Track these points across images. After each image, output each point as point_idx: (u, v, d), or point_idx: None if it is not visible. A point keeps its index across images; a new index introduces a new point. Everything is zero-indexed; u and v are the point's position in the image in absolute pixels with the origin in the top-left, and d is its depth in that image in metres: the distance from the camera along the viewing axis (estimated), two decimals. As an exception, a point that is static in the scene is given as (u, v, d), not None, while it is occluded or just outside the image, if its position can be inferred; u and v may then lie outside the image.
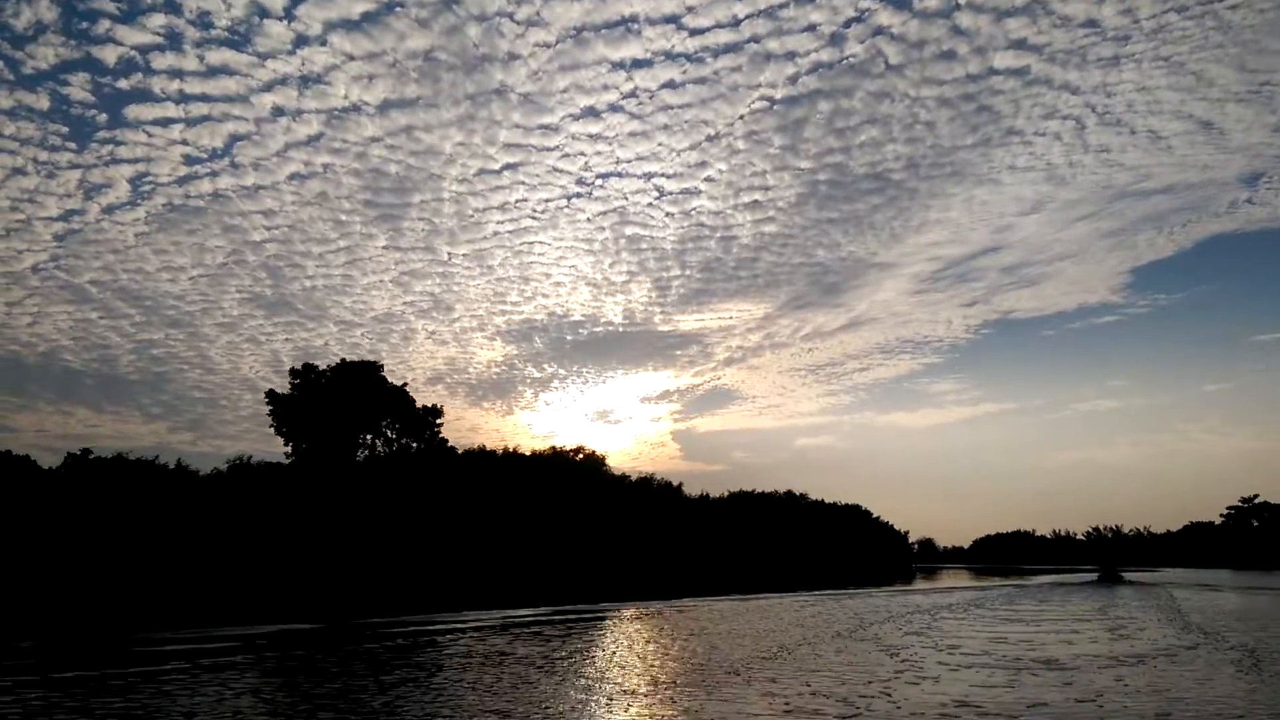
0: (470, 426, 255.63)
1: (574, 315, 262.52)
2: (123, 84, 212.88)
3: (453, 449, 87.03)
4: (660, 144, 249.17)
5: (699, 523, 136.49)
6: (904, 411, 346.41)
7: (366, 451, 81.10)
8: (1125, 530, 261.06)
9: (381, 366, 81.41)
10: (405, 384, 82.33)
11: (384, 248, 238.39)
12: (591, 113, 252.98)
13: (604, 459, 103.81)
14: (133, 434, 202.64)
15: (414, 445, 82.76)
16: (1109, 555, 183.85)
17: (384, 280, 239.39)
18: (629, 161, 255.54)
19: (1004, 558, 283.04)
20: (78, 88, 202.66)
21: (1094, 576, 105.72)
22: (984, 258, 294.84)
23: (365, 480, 77.17)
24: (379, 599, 53.02)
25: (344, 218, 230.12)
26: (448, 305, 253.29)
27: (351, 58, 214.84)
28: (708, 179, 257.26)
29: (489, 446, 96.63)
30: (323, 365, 80.00)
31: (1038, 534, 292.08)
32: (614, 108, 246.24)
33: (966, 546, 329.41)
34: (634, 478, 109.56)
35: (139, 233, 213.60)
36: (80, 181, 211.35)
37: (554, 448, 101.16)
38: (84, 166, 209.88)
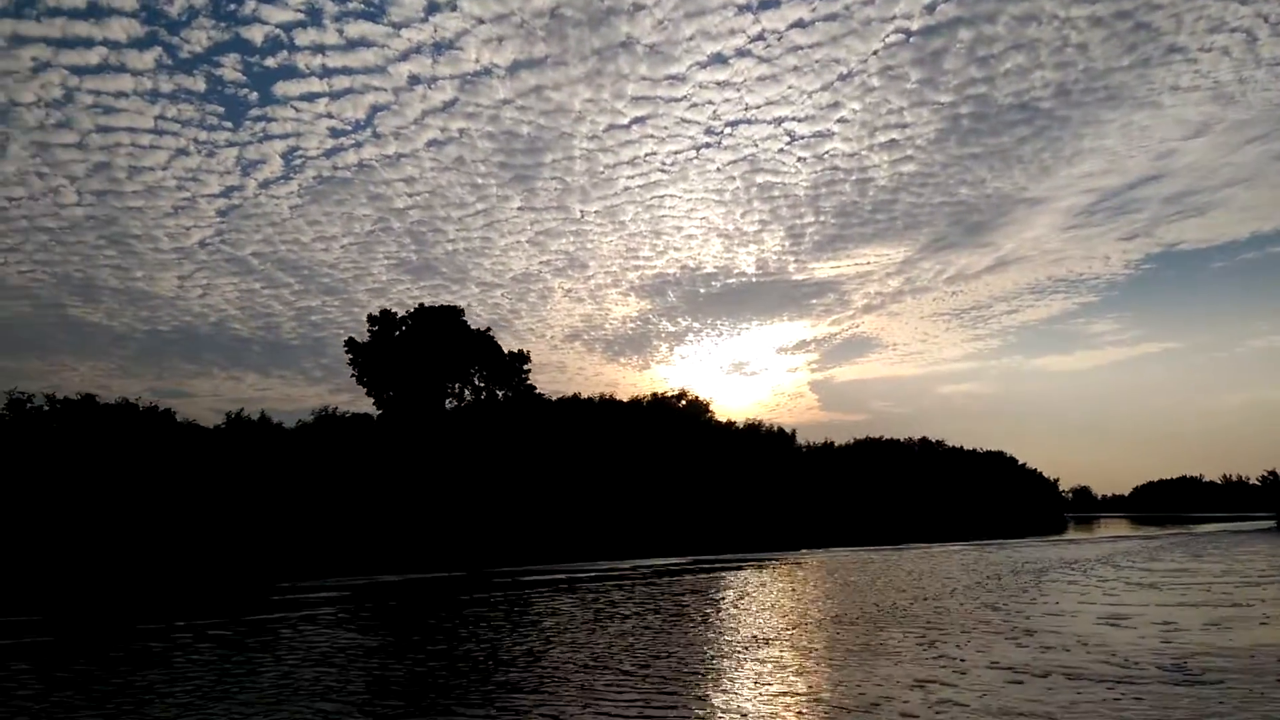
0: (608, 382, 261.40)
1: (706, 267, 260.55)
2: (270, 62, 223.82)
3: (542, 396, 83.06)
4: (790, 86, 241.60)
5: (819, 471, 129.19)
6: (1056, 354, 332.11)
7: (455, 401, 78.07)
8: None
9: (463, 311, 77.76)
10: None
11: (519, 209, 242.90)
12: (719, 59, 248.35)
13: (708, 405, 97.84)
14: (298, 396, 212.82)
15: (501, 393, 79.12)
16: None
17: (520, 241, 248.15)
18: (758, 107, 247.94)
19: (1168, 505, 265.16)
20: (229, 68, 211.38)
21: (1272, 523, 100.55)
22: (1144, 187, 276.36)
23: (455, 430, 74.19)
24: (494, 549, 53.41)
25: (480, 181, 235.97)
26: (582, 263, 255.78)
27: (481, 21, 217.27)
28: (841, 120, 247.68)
29: (585, 394, 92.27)
30: (401, 313, 76.97)
31: (1205, 479, 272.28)
32: (741, 52, 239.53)
33: (1126, 494, 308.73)
34: (741, 424, 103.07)
35: (293, 205, 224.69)
36: (238, 159, 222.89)
37: (655, 394, 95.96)
38: (240, 144, 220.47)
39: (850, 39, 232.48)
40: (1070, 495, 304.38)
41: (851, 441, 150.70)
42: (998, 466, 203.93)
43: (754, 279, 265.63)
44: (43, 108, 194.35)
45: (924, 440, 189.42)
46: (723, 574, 37.05)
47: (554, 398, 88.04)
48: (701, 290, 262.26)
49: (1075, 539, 72.93)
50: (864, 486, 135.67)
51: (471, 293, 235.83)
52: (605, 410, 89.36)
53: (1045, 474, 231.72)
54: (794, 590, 29.75)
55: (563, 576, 35.12)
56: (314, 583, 32.62)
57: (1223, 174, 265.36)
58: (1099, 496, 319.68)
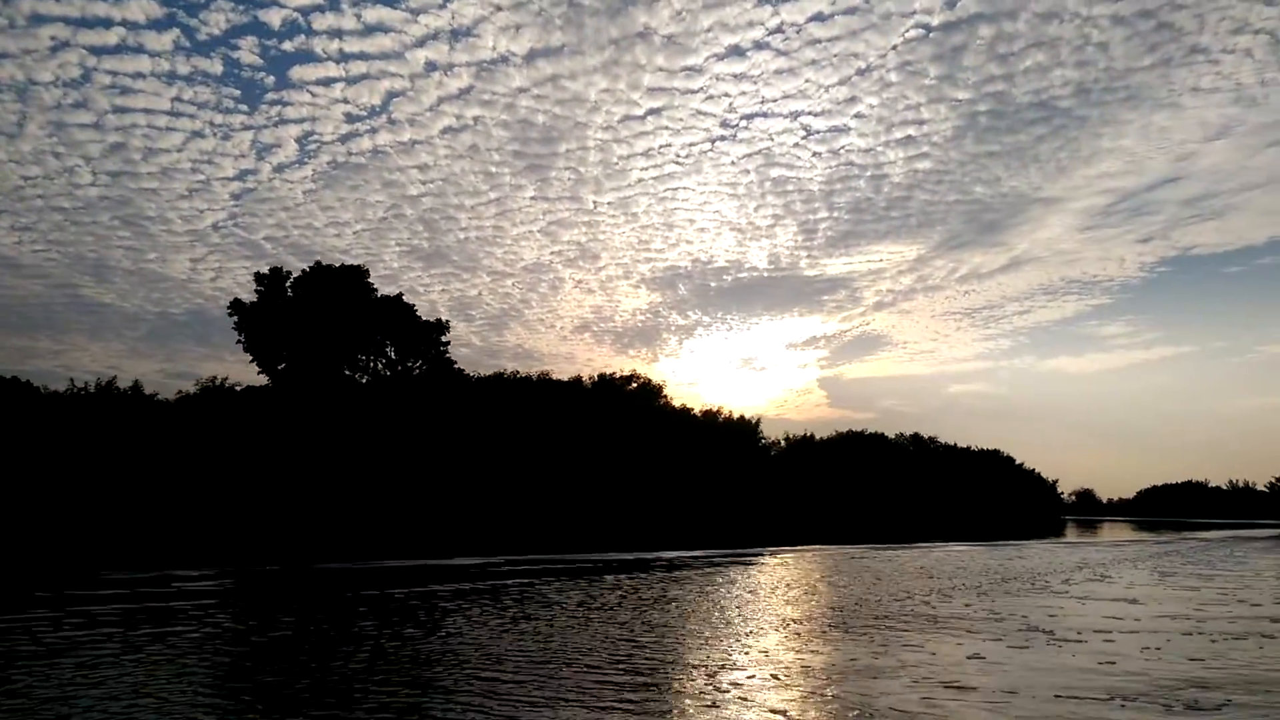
0: (617, 375, 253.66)
1: (718, 261, 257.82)
2: (287, 45, 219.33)
3: (461, 371, 73.84)
4: (807, 80, 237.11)
5: (793, 465, 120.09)
6: (1068, 356, 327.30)
7: (361, 374, 68.96)
8: None
9: (368, 272, 68.59)
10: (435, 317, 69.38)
11: (532, 198, 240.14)
12: (736, 51, 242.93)
13: (661, 388, 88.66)
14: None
15: (417, 366, 70.08)
16: None
17: (533, 230, 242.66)
18: (774, 100, 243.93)
19: (1173, 510, 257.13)
20: (247, 51, 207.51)
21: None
22: (1162, 189, 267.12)
23: (354, 406, 65.23)
24: (401, 539, 47.96)
25: (494, 169, 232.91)
26: (594, 254, 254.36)
27: (499, 8, 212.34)
28: (857, 115, 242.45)
29: (524, 372, 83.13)
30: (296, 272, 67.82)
31: (1211, 485, 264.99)
32: (759, 45, 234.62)
33: (1131, 498, 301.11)
34: (698, 411, 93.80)
35: (307, 190, 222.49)
36: (253, 142, 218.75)
37: (601, 375, 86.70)
38: (255, 128, 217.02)
39: (869, 33, 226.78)
40: (1074, 498, 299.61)
41: (834, 435, 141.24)
42: (994, 466, 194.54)
43: (765, 274, 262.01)
44: (60, 87, 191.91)
45: (916, 436, 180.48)
46: (667, 572, 32.59)
47: (476, 375, 78.90)
48: (712, 284, 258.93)
49: (1061, 543, 64.69)
50: (845, 482, 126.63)
51: (483, 281, 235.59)
52: (541, 390, 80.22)
53: (1045, 475, 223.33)
54: (736, 593, 25.52)
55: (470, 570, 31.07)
56: (147, 574, 27.16)
57: (1242, 177, 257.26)
58: (1104, 500, 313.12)
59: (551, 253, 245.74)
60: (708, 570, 33.95)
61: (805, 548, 51.23)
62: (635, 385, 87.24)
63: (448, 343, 71.22)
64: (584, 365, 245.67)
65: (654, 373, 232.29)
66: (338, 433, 64.41)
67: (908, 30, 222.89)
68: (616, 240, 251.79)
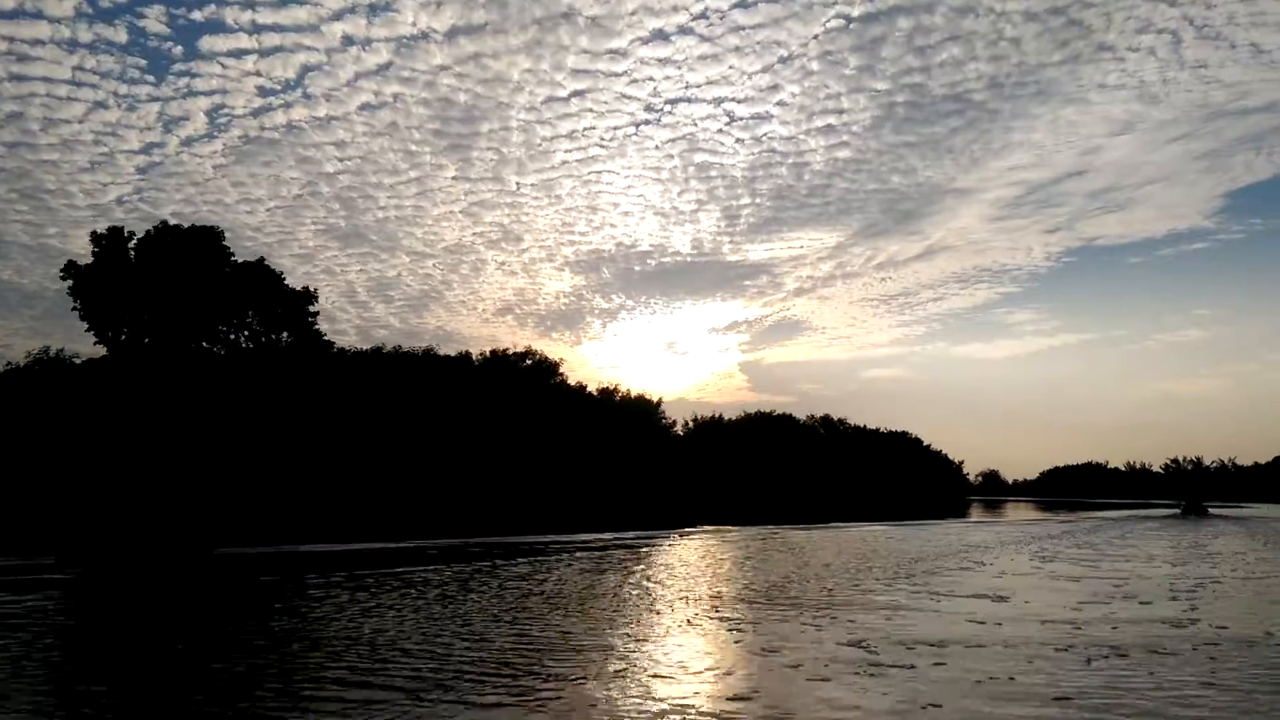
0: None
1: (642, 245, 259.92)
2: (196, 15, 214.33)
3: (331, 344, 68.38)
4: (731, 67, 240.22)
5: (700, 446, 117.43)
6: (979, 342, 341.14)
7: (217, 346, 63.02)
8: (1207, 463, 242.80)
9: (223, 234, 62.58)
10: (282, 273, 63.44)
11: (453, 178, 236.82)
12: (660, 36, 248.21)
13: (558, 365, 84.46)
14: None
15: (280, 337, 64.42)
16: (1192, 488, 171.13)
17: (454, 211, 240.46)
18: (699, 86, 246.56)
19: (1074, 491, 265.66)
20: (154, 20, 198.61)
21: (1176, 511, 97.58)
22: (1069, 182, 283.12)
23: (205, 380, 59.40)
24: (262, 522, 45.22)
25: (414, 148, 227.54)
26: (517, 236, 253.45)
27: None
28: (779, 103, 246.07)
29: (406, 348, 77.89)
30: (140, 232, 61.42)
31: (1110, 466, 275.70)
32: (684, 30, 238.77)
33: (1034, 479, 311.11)
34: (593, 389, 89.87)
35: (217, 165, 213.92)
36: (160, 114, 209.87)
37: (494, 351, 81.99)
38: (162, 99, 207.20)
39: (791, 22, 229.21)
40: (980, 479, 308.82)
41: (742, 416, 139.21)
42: (902, 447, 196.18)
43: (689, 258, 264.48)
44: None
45: (826, 418, 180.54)
46: (552, 555, 30.56)
47: (354, 349, 73.49)
48: (636, 268, 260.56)
49: (971, 522, 63.77)
50: (754, 464, 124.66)
51: (402, 262, 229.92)
52: (425, 367, 75.20)
53: (952, 457, 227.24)
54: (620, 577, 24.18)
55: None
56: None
57: (1144, 172, 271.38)
58: (1009, 481, 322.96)
59: (473, 234, 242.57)
60: (596, 554, 31.32)
61: (708, 529, 49.05)
62: (530, 363, 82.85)
63: (316, 313, 65.67)
64: (507, 349, 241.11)
65: (576, 356, 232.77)
66: (186, 410, 58.54)
67: (829, 20, 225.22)
68: (540, 222, 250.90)
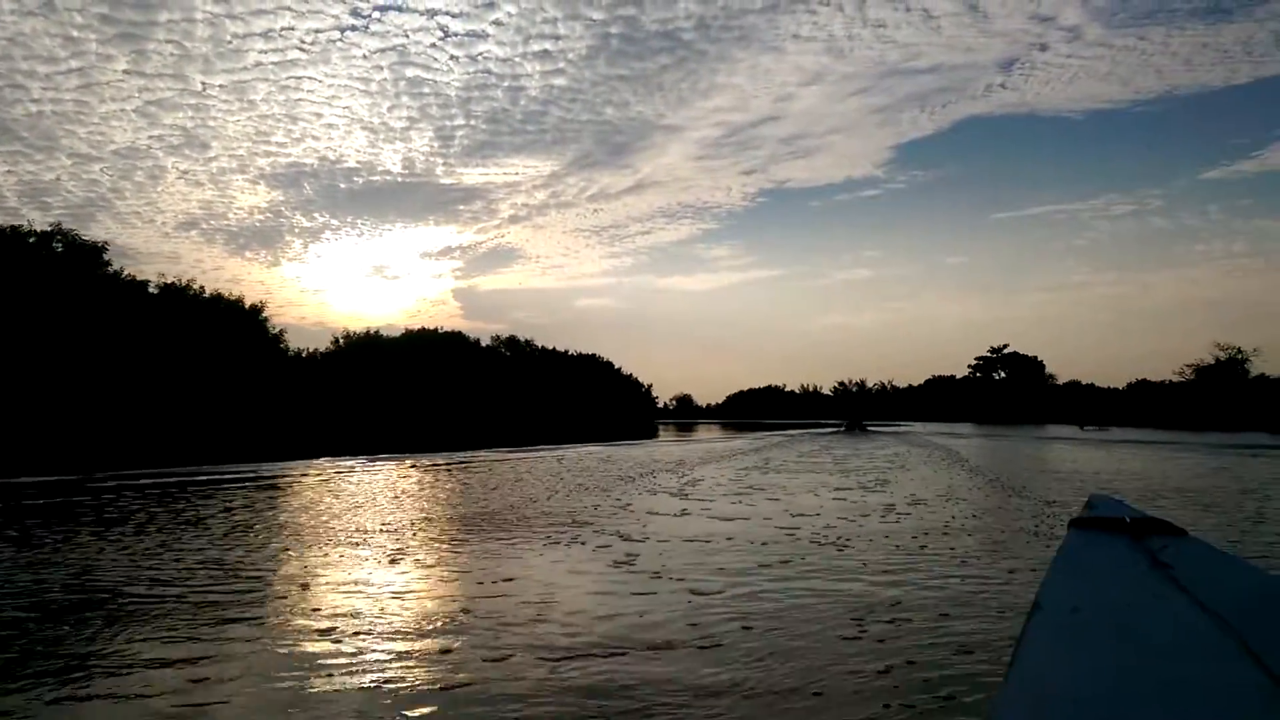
0: (230, 278, 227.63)
1: (348, 161, 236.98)
2: None
3: None
4: None
5: (350, 368, 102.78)
6: (681, 275, 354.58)
7: None
8: (870, 385, 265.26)
9: None
10: None
11: (125, 72, 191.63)
12: None
13: (104, 248, 63.97)
14: None
15: None
16: (854, 408, 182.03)
17: (125, 109, 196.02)
18: None
19: (756, 412, 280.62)
20: None
21: (840, 427, 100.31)
22: (764, 126, 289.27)
23: None
24: None
25: (76, 34, 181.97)
26: (203, 142, 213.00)
27: None
28: (495, 22, 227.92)
29: None
30: None
31: (787, 389, 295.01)
32: None
33: (721, 402, 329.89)
34: (153, 288, 71.11)
35: None
36: None
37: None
38: None
39: None
40: (674, 403, 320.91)
41: (403, 334, 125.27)
42: (592, 371, 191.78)
43: (400, 179, 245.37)
44: None
45: (512, 339, 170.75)
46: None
47: None
48: (342, 185, 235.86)
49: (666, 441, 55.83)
50: (422, 387, 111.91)
51: (62, 164, 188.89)
52: None
53: (644, 381, 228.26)
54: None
55: None
56: None
57: (828, 122, 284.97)
58: (701, 405, 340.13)
59: (150, 137, 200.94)
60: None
61: (383, 457, 35.93)
62: (59, 246, 62.70)
63: None
64: (192, 267, 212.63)
65: (275, 277, 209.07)
66: None
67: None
68: (230, 129, 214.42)
